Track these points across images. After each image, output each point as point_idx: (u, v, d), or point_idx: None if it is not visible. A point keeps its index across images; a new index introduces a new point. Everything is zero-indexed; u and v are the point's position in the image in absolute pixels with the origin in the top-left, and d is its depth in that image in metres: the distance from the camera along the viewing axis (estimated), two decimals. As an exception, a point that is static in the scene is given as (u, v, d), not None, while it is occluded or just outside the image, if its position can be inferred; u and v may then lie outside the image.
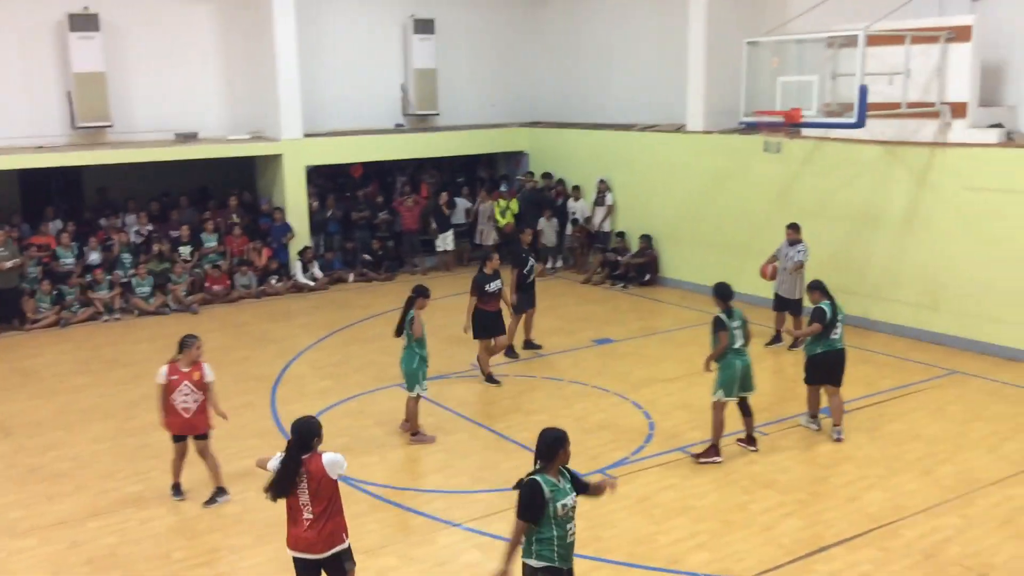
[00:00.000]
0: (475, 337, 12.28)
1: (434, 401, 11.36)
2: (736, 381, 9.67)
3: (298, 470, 6.30)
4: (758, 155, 15.64)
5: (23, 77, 17.13)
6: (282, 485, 6.33)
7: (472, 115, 21.65)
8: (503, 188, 20.87)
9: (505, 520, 8.54)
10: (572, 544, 6.05)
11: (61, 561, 8.07)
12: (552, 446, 5.95)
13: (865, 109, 12.41)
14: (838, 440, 10.18)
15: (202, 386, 8.91)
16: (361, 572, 7.64)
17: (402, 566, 7.86)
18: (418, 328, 10.22)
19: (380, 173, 21.13)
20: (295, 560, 6.50)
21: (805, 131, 14.65)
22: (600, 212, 18.91)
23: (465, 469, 9.85)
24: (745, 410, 9.93)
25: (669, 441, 10.29)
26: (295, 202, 18.68)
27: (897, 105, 13.17)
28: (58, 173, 17.99)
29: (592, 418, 11.12)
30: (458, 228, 20.27)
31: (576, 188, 19.62)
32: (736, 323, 9.64)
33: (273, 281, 18.02)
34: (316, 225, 19.13)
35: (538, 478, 5.87)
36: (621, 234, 18.62)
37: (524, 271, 13.39)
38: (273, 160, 18.73)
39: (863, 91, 12.32)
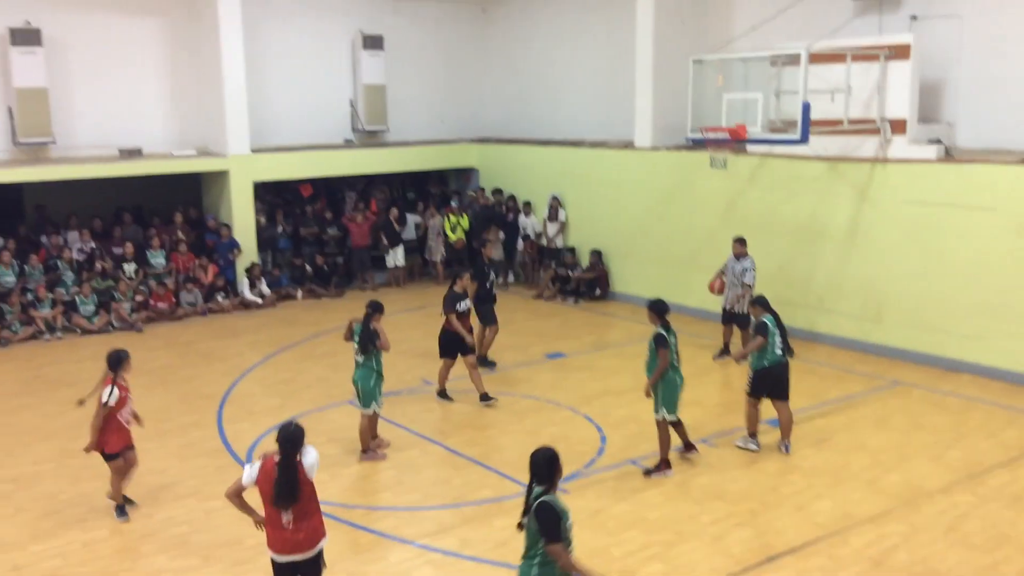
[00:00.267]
0: (441, 356, 12.16)
1: (385, 418, 11.27)
2: (679, 398, 9.73)
3: (298, 475, 6.31)
4: (705, 171, 15.86)
5: (-39, 92, 16.79)
6: (290, 492, 6.29)
7: (422, 131, 21.65)
8: (453, 203, 20.88)
9: (457, 536, 8.53)
10: None
11: (1, 586, 7.87)
12: (551, 465, 5.88)
13: (808, 126, 12.66)
14: (786, 453, 10.31)
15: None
16: (312, 591, 7.58)
17: (353, 584, 7.78)
18: (384, 342, 10.17)
19: (329, 189, 21.01)
20: (276, 565, 6.52)
21: (750, 147, 14.92)
22: (553, 228, 19.00)
23: (417, 485, 9.79)
24: (676, 424, 9.93)
25: (621, 454, 10.33)
26: (242, 218, 18.49)
27: (839, 122, 13.44)
28: (-2, 190, 17.63)
29: (544, 432, 11.12)
30: (408, 244, 20.22)
31: (527, 204, 19.70)
32: (673, 339, 9.70)
33: (220, 298, 17.79)
34: (263, 241, 18.95)
35: (551, 499, 5.80)
36: (572, 249, 18.73)
37: (486, 284, 13.42)
38: (220, 176, 18.53)
39: (806, 108, 12.57)
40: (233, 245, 18.27)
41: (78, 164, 17.05)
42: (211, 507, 9.20)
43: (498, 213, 20.07)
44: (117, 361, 8.86)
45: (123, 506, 9.04)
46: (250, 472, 6.49)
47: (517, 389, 12.73)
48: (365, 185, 21.22)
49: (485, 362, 13.75)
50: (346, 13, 20.43)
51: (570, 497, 9.29)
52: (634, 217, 17.63)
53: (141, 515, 9.08)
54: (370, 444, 10.44)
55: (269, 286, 18.44)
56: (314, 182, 20.35)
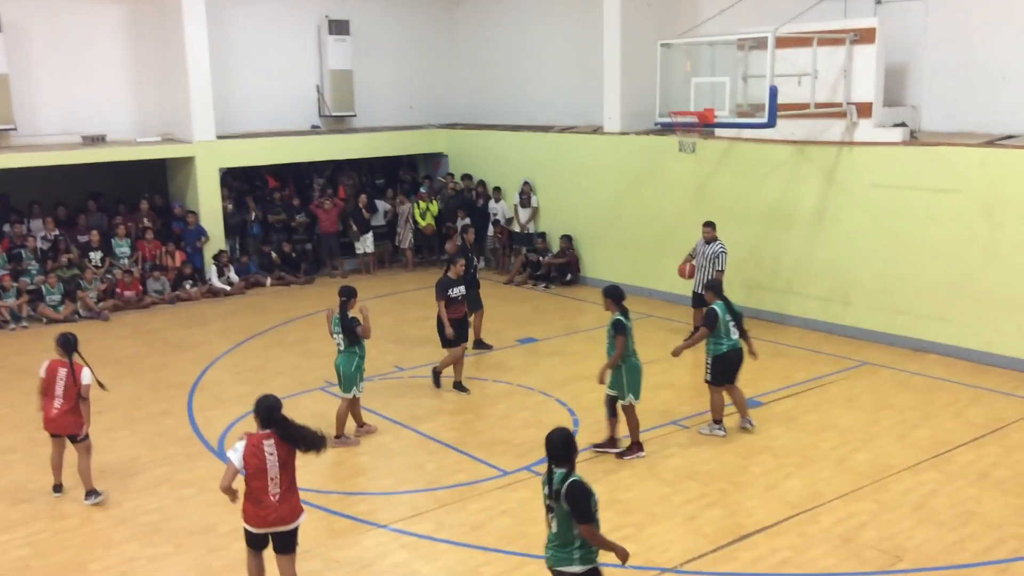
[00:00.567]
0: (444, 346, 12.01)
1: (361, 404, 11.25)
2: (641, 382, 9.75)
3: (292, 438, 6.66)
4: (674, 155, 15.92)
5: (-81, 78, 16.45)
6: (306, 442, 6.70)
7: (390, 117, 21.54)
8: (423, 189, 20.81)
9: (432, 520, 8.54)
10: None
11: (-30, 577, 7.77)
12: (567, 445, 5.87)
13: (775, 109, 12.73)
14: (751, 427, 10.40)
15: None
16: (286, 576, 7.57)
17: (327, 569, 7.77)
18: (366, 329, 10.12)
19: (297, 175, 20.85)
20: (256, 536, 6.70)
21: (719, 131, 14.98)
22: (525, 213, 18.99)
23: (391, 470, 9.80)
24: (614, 412, 9.87)
25: (593, 437, 10.36)
26: (209, 205, 18.31)
27: (806, 106, 13.53)
28: (-42, 178, 17.33)
29: (517, 416, 11.16)
30: (378, 230, 20.13)
31: (497, 189, 19.67)
32: (630, 324, 9.69)
33: (187, 286, 17.63)
34: (231, 228, 18.78)
35: (580, 479, 5.80)
36: (542, 235, 18.74)
37: (470, 270, 13.42)
38: (185, 163, 18.33)
39: (773, 92, 12.64)
40: (200, 232, 18.09)
41: (41, 151, 16.79)
42: (183, 495, 9.15)
43: (468, 199, 20.03)
44: (76, 342, 8.91)
45: (95, 489, 9.02)
46: (235, 457, 6.57)
47: (489, 374, 12.75)
48: (333, 171, 21.09)
49: (482, 345, 13.78)
50: (312, -3, 20.28)
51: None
52: (604, 202, 17.67)
53: (112, 503, 9.02)
54: (345, 430, 10.43)
55: (237, 273, 18.30)
56: (280, 169, 20.17)
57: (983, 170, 12.38)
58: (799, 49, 13.46)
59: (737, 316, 10.26)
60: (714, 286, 10.55)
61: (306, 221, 19.69)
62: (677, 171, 16.15)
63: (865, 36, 13.31)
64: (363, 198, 19.84)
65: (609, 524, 8.34)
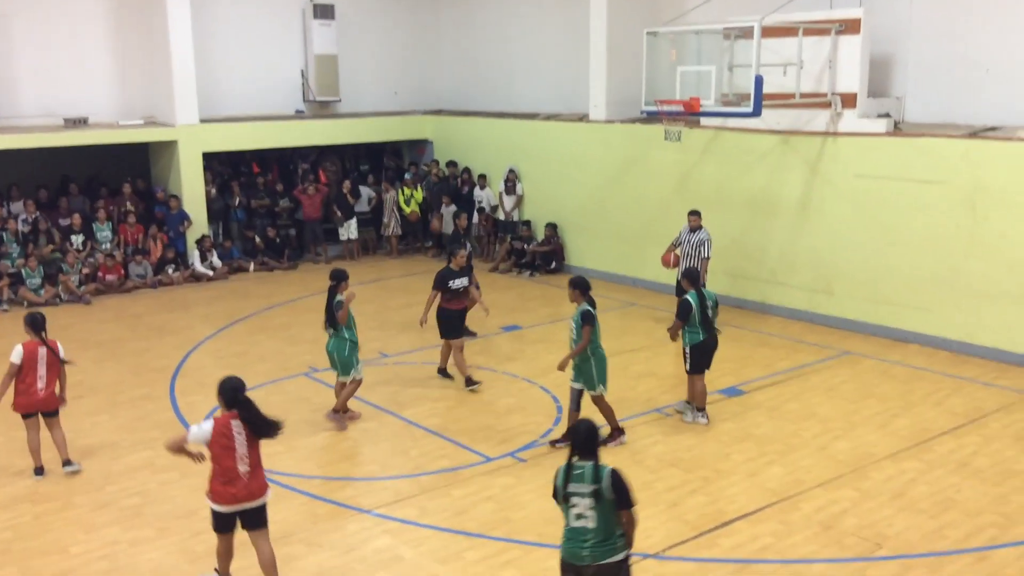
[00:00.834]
0: (443, 337, 11.80)
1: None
2: (607, 372, 9.69)
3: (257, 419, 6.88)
4: (659, 144, 15.93)
5: (-103, 57, 16.27)
6: (271, 423, 6.93)
7: (375, 103, 21.44)
8: (408, 176, 20.74)
9: (415, 505, 8.54)
10: None
11: (-51, 560, 7.72)
12: (596, 437, 5.85)
13: (761, 99, 12.74)
14: (687, 418, 10.45)
15: None
16: (269, 561, 7.56)
17: (310, 553, 7.76)
18: (343, 315, 10.11)
19: (281, 160, 20.75)
20: (222, 515, 6.85)
21: (704, 120, 14.99)
22: (510, 201, 18.97)
23: (374, 456, 9.79)
24: (579, 405, 9.68)
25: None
26: (192, 189, 18.20)
27: (791, 96, 13.56)
28: (-63, 159, 17.16)
29: (501, 403, 11.17)
30: (362, 216, 20.06)
31: (482, 177, 19.63)
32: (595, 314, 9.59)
33: (170, 271, 17.53)
34: (214, 213, 18.68)
35: (615, 468, 5.80)
36: (527, 222, 18.73)
37: (468, 261, 13.35)
38: (168, 146, 18.20)
39: (759, 81, 12.65)
40: (183, 217, 17.99)
41: (22, 134, 16.63)
42: (165, 479, 9.12)
43: (452, 186, 19.98)
44: (41, 322, 9.20)
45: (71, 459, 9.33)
46: (198, 433, 6.75)
47: (473, 361, 12.70)
48: (317, 157, 20.99)
49: (466, 332, 13.76)
50: (297, -19, 20.14)
51: (528, 467, 9.38)
52: (589, 190, 17.67)
53: (94, 487, 8.99)
54: (346, 410, 10.46)
55: (220, 258, 18.21)
56: (264, 154, 20.06)
57: (966, 162, 12.44)
58: (785, 39, 13.48)
59: (713, 307, 10.26)
60: (690, 275, 10.54)
61: (289, 206, 19.60)
62: (662, 160, 16.16)
63: (850, 27, 13.34)
64: (347, 184, 19.76)
65: (592, 510, 8.39)
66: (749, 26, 12.68)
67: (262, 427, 6.85)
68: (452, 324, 11.73)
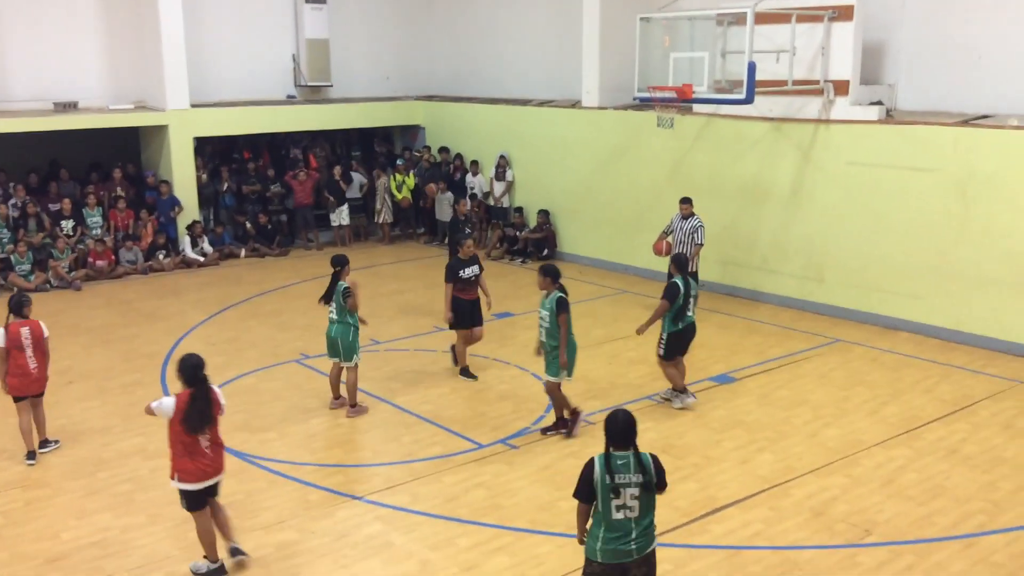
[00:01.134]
0: (451, 327, 11.74)
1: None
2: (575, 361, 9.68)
3: (211, 398, 7.02)
4: (652, 130, 15.89)
5: None
6: (204, 418, 6.95)
7: (367, 88, 21.33)
8: (400, 162, 20.68)
9: (407, 492, 8.55)
10: None
11: (-60, 547, 7.71)
12: (632, 426, 5.70)
13: (754, 86, 12.73)
14: (673, 404, 10.49)
15: None
16: (260, 548, 7.59)
17: (302, 540, 7.77)
18: (354, 302, 10.10)
19: (273, 145, 20.66)
20: (196, 493, 7.01)
21: (697, 107, 14.97)
22: (500, 187, 18.94)
23: (367, 443, 9.80)
24: (557, 387, 9.72)
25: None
26: (182, 175, 18.10)
27: (784, 82, 13.55)
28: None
29: (493, 389, 11.18)
30: (354, 202, 20.00)
31: (474, 163, 19.59)
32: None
33: (160, 257, 17.47)
34: (205, 198, 18.60)
35: (655, 455, 5.80)
36: (519, 209, 18.69)
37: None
38: (158, 131, 18.10)
39: (751, 68, 12.63)
40: (174, 202, 17.91)
41: (11, 118, 16.52)
42: (156, 465, 9.10)
43: (444, 172, 19.94)
44: (24, 304, 9.23)
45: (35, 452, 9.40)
46: (159, 408, 6.98)
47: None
48: (309, 142, 20.91)
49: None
50: (288, -35, 20.00)
51: (519, 453, 9.40)
52: (581, 177, 17.65)
53: (85, 473, 8.97)
54: (356, 399, 10.48)
55: (211, 244, 18.15)
56: (255, 139, 19.97)
57: (957, 149, 12.46)
58: (777, 25, 13.46)
59: (695, 297, 10.27)
60: (678, 260, 10.51)
61: (281, 191, 19.53)
62: (655, 146, 16.14)
63: (843, 13, 13.32)
64: (338, 169, 19.69)
65: (584, 497, 8.41)
66: (742, 12, 12.66)
67: (203, 413, 6.93)
68: (463, 313, 11.54)
